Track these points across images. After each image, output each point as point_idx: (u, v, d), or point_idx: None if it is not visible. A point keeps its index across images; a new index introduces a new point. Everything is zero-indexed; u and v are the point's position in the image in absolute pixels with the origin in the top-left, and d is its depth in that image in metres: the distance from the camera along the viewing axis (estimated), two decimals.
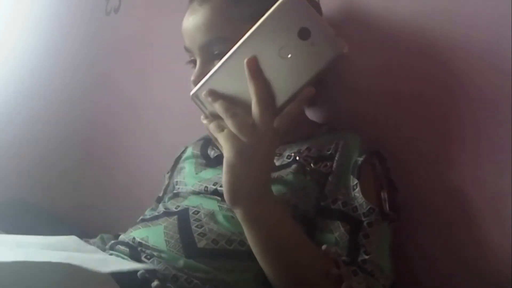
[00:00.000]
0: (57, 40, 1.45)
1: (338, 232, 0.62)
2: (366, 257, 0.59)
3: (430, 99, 0.70)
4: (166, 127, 1.18)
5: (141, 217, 0.73)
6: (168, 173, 0.88)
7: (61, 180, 1.36)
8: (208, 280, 0.58)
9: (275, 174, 0.66)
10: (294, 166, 0.67)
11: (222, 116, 0.51)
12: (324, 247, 0.59)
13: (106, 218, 1.25)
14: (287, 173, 0.66)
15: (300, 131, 0.75)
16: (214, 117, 0.53)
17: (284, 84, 0.50)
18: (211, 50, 0.67)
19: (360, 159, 0.66)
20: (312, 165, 0.67)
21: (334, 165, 0.67)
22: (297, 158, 0.68)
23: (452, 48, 0.69)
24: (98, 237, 0.83)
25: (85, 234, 0.91)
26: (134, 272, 0.56)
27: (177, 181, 0.80)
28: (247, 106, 0.50)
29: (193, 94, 0.54)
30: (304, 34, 0.47)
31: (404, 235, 0.70)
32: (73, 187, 1.35)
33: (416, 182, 0.71)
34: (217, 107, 0.51)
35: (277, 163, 0.69)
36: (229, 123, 0.50)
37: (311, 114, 0.83)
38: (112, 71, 1.36)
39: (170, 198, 0.77)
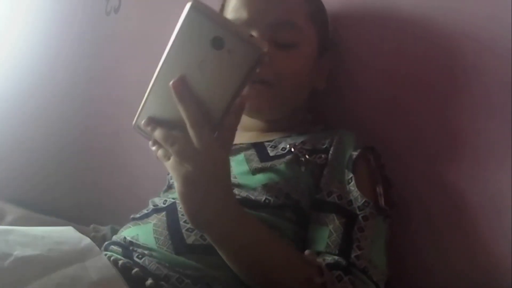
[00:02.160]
0: (57, 40, 1.45)
1: (332, 224, 0.61)
2: (359, 252, 0.59)
3: (429, 97, 0.71)
4: None
5: (131, 216, 0.73)
6: (168, 174, 0.87)
7: (61, 181, 1.35)
8: (199, 278, 0.57)
9: (268, 164, 0.66)
10: (288, 157, 0.67)
11: (164, 145, 0.50)
12: (307, 252, 0.58)
13: (107, 217, 1.24)
14: (280, 163, 0.66)
15: (297, 125, 0.75)
16: (160, 144, 0.51)
17: (215, 98, 0.48)
18: (279, 33, 0.68)
19: (355, 153, 0.66)
20: (307, 156, 0.67)
21: (329, 158, 0.67)
22: (292, 149, 0.68)
23: (451, 46, 0.69)
24: (109, 226, 0.85)
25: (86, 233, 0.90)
26: (129, 270, 0.56)
27: (171, 176, 0.80)
28: (186, 129, 0.48)
29: (134, 125, 0.53)
30: (217, 43, 0.44)
31: (400, 233, 0.69)
32: (73, 187, 1.34)
33: (413, 181, 0.71)
34: (157, 137, 0.50)
35: (272, 154, 0.69)
36: (171, 151, 0.49)
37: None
38: (112, 71, 1.35)
39: (164, 192, 0.78)
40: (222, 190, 0.52)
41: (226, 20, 0.45)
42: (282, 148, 0.69)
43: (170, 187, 0.78)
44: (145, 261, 0.59)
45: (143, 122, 0.51)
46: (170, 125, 0.50)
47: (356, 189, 0.63)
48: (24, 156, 1.38)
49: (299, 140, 0.70)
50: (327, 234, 0.61)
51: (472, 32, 0.66)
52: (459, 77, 0.67)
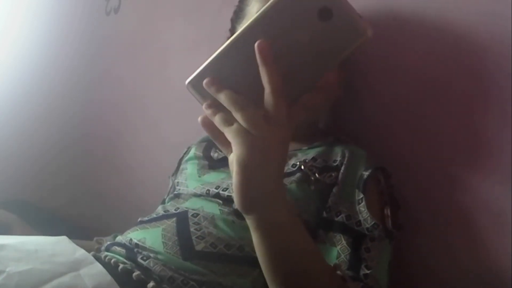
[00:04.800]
0: (57, 40, 1.45)
1: (340, 245, 0.61)
2: (368, 271, 0.59)
3: (432, 112, 0.70)
4: (165, 126, 1.19)
5: (139, 219, 0.73)
6: (172, 175, 0.87)
7: (62, 182, 1.36)
8: (204, 282, 0.57)
9: None
10: (298, 175, 0.66)
11: (230, 108, 0.44)
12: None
13: (108, 218, 1.25)
14: (290, 182, 0.65)
15: (309, 135, 0.75)
16: (216, 107, 0.46)
17: (301, 71, 0.44)
18: None
19: (366, 173, 0.66)
20: (316, 175, 0.66)
21: (339, 177, 0.66)
22: (302, 167, 0.67)
23: (453, 47, 0.68)
24: (111, 235, 0.84)
25: (85, 234, 0.91)
26: (129, 273, 0.57)
27: (178, 182, 0.80)
28: (255, 96, 0.44)
29: (189, 83, 0.47)
30: (324, 14, 0.40)
31: (406, 248, 0.70)
32: (74, 188, 1.35)
33: (418, 181, 0.71)
34: (223, 99, 0.45)
35: None
36: (238, 116, 0.44)
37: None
38: (112, 71, 1.36)
39: (171, 199, 0.77)
40: (283, 171, 0.48)
41: None
42: (293, 164, 0.68)
43: (177, 195, 0.76)
44: (149, 263, 0.59)
45: (205, 81, 0.45)
46: (235, 90, 0.45)
47: (367, 210, 0.62)
48: (24, 157, 1.39)
49: (309, 155, 0.69)
50: (336, 255, 0.60)
51: (471, 35, 0.66)
52: (463, 87, 0.67)
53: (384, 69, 0.76)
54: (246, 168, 0.44)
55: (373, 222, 0.62)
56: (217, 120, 0.45)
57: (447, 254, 0.68)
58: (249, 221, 0.49)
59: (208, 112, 0.46)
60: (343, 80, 0.77)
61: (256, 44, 0.42)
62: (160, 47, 1.22)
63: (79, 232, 1.05)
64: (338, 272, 0.56)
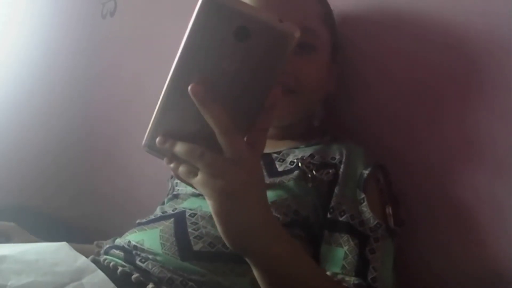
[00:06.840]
0: (53, 44, 1.45)
1: (347, 246, 0.61)
2: (375, 274, 0.59)
3: (431, 109, 0.70)
4: None
5: (137, 221, 0.73)
6: (171, 177, 0.88)
7: (61, 185, 1.36)
8: (203, 282, 0.58)
9: (277, 180, 0.66)
10: (296, 172, 0.67)
11: (189, 160, 0.44)
12: (329, 274, 0.58)
13: (107, 221, 1.25)
14: (288, 179, 0.66)
15: (305, 134, 0.75)
16: (178, 160, 0.45)
17: (246, 96, 0.42)
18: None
19: (366, 172, 0.66)
20: (314, 172, 0.66)
21: (340, 176, 0.66)
22: (300, 164, 0.67)
23: (451, 48, 0.68)
24: (111, 239, 0.84)
25: (86, 238, 0.91)
26: (128, 276, 0.57)
27: (176, 183, 0.80)
28: (211, 139, 0.42)
29: (144, 146, 0.46)
30: (242, 33, 0.38)
31: (404, 246, 0.70)
32: (73, 191, 1.35)
33: (416, 191, 0.71)
34: (179, 152, 0.44)
35: (280, 169, 0.69)
36: (199, 166, 0.43)
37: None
38: (108, 74, 1.35)
39: (169, 200, 0.77)
40: (261, 201, 0.47)
41: (248, 5, 0.38)
42: (290, 162, 0.69)
43: (176, 196, 0.76)
44: (148, 265, 0.59)
45: (157, 140, 0.45)
46: (189, 140, 0.44)
47: (369, 210, 0.63)
48: (23, 160, 1.39)
49: (307, 152, 0.70)
50: (342, 255, 0.60)
51: (471, 34, 0.66)
52: (461, 82, 0.67)
53: (381, 66, 0.77)
54: (222, 217, 0.45)
55: (376, 222, 0.62)
56: (181, 174, 0.45)
57: (445, 252, 0.68)
58: (247, 260, 0.49)
59: (170, 167, 0.46)
60: (336, 76, 0.77)
61: (189, 90, 0.41)
62: (156, 49, 1.21)
63: (80, 234, 1.05)
64: (344, 284, 0.56)
